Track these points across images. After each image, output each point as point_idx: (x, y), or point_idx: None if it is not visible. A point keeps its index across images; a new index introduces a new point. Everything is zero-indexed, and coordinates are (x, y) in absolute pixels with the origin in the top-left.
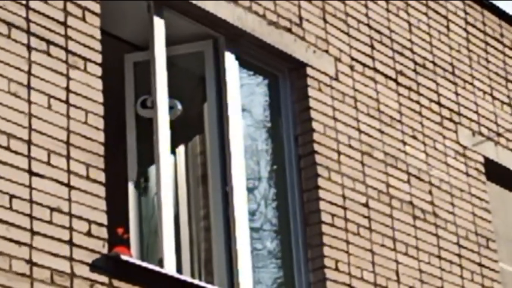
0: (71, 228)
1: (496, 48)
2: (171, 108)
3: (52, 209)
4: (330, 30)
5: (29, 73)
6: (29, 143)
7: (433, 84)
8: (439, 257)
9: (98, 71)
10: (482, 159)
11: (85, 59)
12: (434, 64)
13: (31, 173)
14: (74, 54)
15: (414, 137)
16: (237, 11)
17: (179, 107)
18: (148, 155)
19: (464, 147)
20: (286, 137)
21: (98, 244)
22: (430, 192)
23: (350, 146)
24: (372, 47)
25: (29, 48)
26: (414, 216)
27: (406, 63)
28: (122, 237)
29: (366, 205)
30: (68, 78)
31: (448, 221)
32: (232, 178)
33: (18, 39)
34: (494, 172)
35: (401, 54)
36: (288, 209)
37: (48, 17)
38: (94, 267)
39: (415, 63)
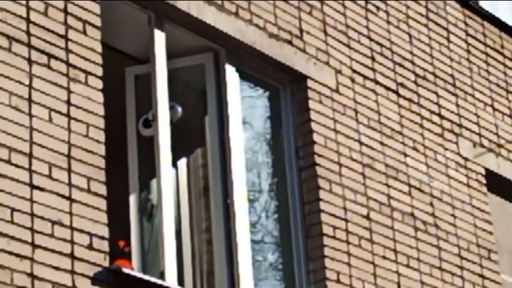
0: (72, 242)
1: (496, 60)
2: (171, 108)
3: (53, 222)
4: (331, 42)
5: (30, 86)
6: (30, 156)
7: (433, 95)
8: (441, 269)
9: (99, 84)
10: (483, 171)
11: (86, 72)
12: (435, 76)
13: (32, 187)
14: (75, 67)
15: (415, 149)
16: (237, 23)
17: (179, 109)
18: (149, 168)
19: (466, 159)
20: (287, 149)
21: (99, 257)
22: (431, 204)
23: (351, 158)
24: (373, 59)
25: (30, 61)
26: (415, 228)
27: (407, 75)
28: (123, 250)
29: (367, 217)
30: (69, 92)
31: (450, 232)
32: (234, 191)
33: (19, 53)
34: (496, 183)
35: (402, 66)
36: (289, 221)
37: (48, 30)
38: (95, 280)
39: (416, 75)
